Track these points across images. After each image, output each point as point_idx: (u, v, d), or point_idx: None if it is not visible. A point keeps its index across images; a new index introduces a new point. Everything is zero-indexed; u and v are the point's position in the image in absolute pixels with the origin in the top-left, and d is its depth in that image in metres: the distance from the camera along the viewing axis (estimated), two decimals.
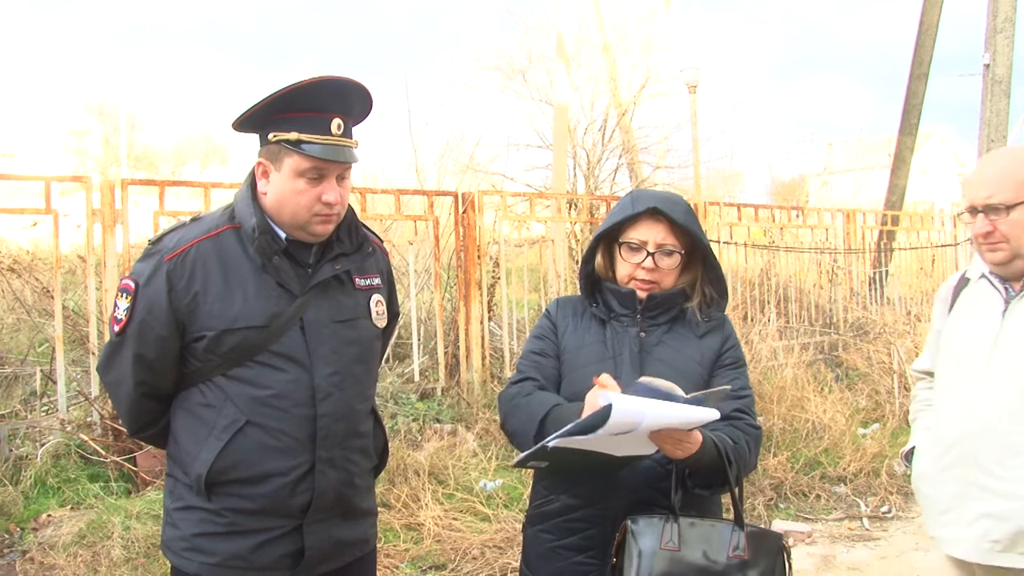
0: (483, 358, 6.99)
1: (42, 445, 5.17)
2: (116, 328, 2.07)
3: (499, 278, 7.40)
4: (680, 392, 1.94)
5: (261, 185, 2.09)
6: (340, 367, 2.12)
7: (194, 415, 2.08)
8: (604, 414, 1.82)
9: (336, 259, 2.15)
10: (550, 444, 1.91)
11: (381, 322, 2.27)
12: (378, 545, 4.53)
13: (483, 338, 7.04)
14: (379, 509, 5.02)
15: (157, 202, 5.64)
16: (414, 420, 6.13)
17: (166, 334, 2.03)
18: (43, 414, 5.63)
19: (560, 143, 13.20)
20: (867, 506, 5.69)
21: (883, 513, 5.59)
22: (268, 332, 2.04)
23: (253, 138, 2.12)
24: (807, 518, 5.51)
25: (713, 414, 1.94)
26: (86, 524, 4.49)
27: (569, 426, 1.88)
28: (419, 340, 7.03)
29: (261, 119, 2.04)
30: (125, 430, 2.31)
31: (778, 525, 5.26)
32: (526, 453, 2.01)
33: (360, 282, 2.22)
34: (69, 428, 5.28)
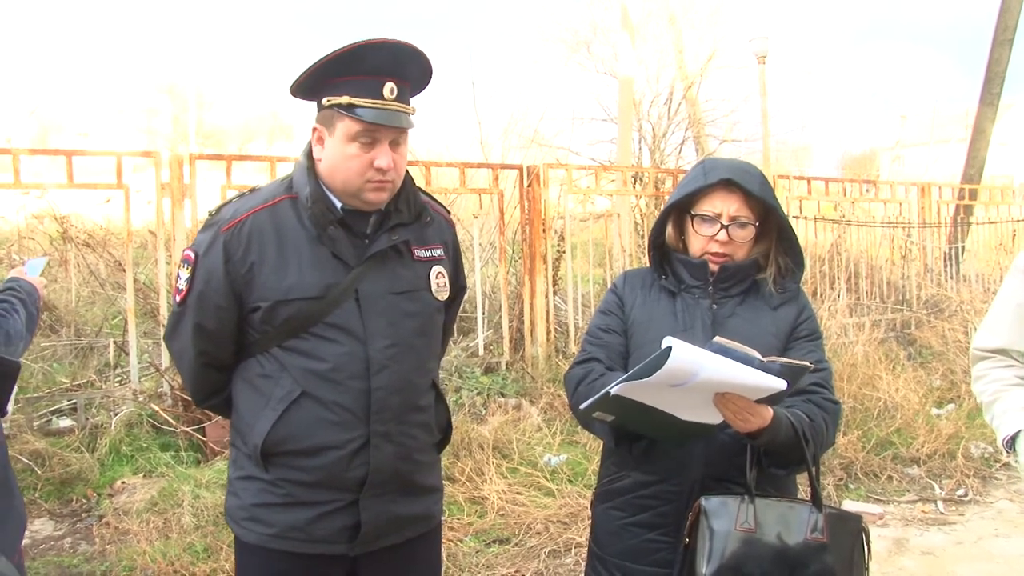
0: (548, 332, 6.95)
1: (116, 414, 5.30)
2: (178, 298, 2.09)
3: (564, 252, 7.33)
4: (757, 356, 1.86)
5: (316, 152, 2.07)
6: (397, 339, 2.07)
7: (252, 386, 2.07)
8: (663, 356, 1.76)
9: (393, 229, 2.10)
10: (612, 391, 1.87)
11: (442, 295, 2.21)
12: (442, 519, 4.58)
13: (548, 312, 6.99)
14: (443, 482, 5.06)
15: (224, 177, 5.69)
16: (478, 394, 6.12)
17: (224, 304, 2.03)
18: (116, 384, 5.76)
19: (625, 116, 13.05)
20: (942, 489, 5.52)
21: (959, 496, 5.42)
22: (323, 304, 2.01)
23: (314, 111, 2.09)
24: (878, 499, 5.37)
25: (779, 384, 1.85)
26: (158, 492, 4.59)
27: (631, 371, 1.85)
28: (483, 314, 7.02)
29: (316, 84, 2.00)
30: (191, 400, 2.32)
31: (848, 506, 5.13)
32: (591, 400, 1.97)
33: (419, 253, 2.16)
34: (141, 398, 5.40)
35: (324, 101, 2.00)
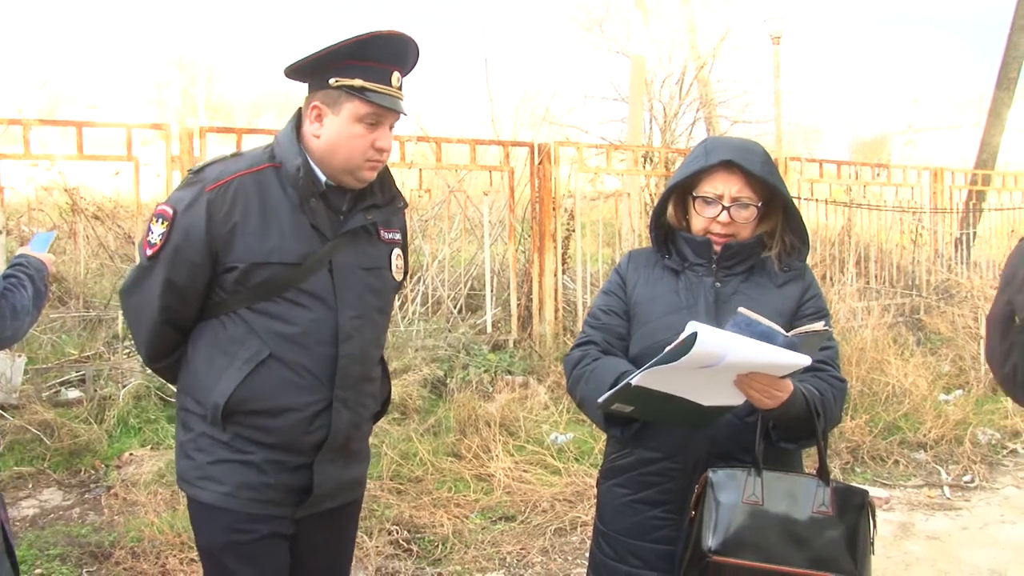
0: (556, 311, 6.95)
1: (124, 386, 5.32)
2: (149, 252, 2.10)
3: (574, 231, 7.32)
4: (780, 331, 1.85)
5: (314, 128, 2.14)
6: (362, 312, 2.18)
7: (215, 346, 2.12)
8: (689, 342, 1.74)
9: (368, 209, 2.22)
10: (633, 381, 1.85)
11: (399, 276, 2.35)
12: (448, 495, 4.60)
13: (556, 291, 6.99)
14: (450, 459, 5.07)
15: (235, 150, 5.67)
16: (485, 371, 6.13)
17: (199, 261, 2.07)
18: (125, 356, 5.77)
19: (636, 96, 12.95)
20: (948, 474, 5.52)
21: (965, 482, 5.41)
22: (299, 270, 2.09)
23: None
24: (885, 484, 5.37)
25: (804, 360, 1.85)
26: (165, 464, 4.61)
27: (655, 359, 1.82)
28: (492, 291, 7.02)
29: (326, 65, 2.08)
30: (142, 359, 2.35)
31: None
32: (610, 393, 1.96)
33: (385, 235, 2.29)
34: (149, 371, 5.40)
35: (332, 81, 2.07)
